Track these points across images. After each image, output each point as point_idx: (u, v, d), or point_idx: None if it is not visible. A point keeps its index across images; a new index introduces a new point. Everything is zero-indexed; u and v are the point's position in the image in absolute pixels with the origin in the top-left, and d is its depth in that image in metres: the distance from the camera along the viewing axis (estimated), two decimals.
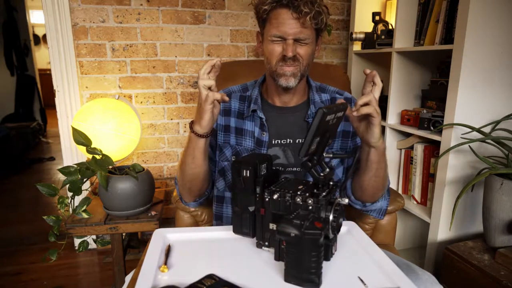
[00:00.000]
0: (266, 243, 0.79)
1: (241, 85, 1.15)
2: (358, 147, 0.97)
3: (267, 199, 0.77)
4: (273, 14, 0.95)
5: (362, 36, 1.97)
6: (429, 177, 1.69)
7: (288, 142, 1.05)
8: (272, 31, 0.95)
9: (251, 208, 0.81)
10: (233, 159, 1.07)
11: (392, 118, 1.81)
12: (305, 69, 0.99)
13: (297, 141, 1.05)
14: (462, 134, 1.41)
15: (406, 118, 1.72)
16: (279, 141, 1.05)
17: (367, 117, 0.85)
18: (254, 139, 1.06)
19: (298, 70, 0.97)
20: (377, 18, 1.92)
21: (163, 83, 2.03)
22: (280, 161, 1.05)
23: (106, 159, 1.41)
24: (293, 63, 0.96)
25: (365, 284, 0.68)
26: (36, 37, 6.45)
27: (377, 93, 0.84)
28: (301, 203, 0.72)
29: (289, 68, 0.96)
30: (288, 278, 0.68)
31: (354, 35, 1.98)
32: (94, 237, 1.99)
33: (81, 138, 1.38)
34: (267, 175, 0.83)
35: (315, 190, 0.73)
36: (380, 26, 1.91)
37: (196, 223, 1.29)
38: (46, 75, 4.27)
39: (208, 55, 2.06)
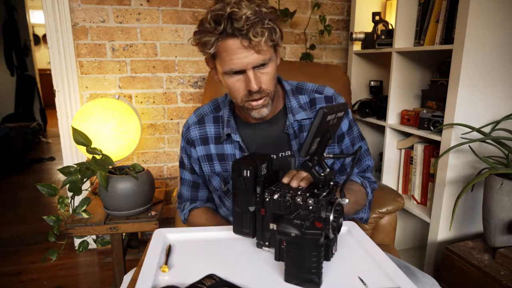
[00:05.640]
0: (266, 243, 0.79)
1: (212, 102, 1.07)
2: (359, 148, 0.96)
3: (267, 199, 0.76)
4: (221, 47, 0.84)
5: (362, 36, 1.97)
6: (429, 177, 1.69)
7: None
8: (226, 67, 0.85)
9: (252, 208, 0.81)
10: (222, 187, 1.05)
11: (392, 118, 1.81)
12: (274, 91, 0.93)
13: (280, 155, 0.99)
14: (462, 134, 1.41)
15: (406, 118, 1.72)
16: None
17: None
18: None
19: (268, 99, 0.91)
20: (377, 18, 1.92)
21: (163, 83, 2.03)
22: None
23: (106, 159, 1.41)
24: (260, 95, 0.89)
25: (365, 284, 0.68)
26: (36, 37, 6.44)
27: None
28: (301, 203, 0.72)
29: (258, 103, 0.90)
30: (288, 278, 0.68)
31: (354, 35, 1.98)
32: (94, 237, 1.99)
33: (81, 138, 1.38)
34: (267, 175, 0.83)
35: (315, 190, 0.73)
36: (380, 26, 1.91)
37: None
38: (46, 75, 4.26)
39: None
